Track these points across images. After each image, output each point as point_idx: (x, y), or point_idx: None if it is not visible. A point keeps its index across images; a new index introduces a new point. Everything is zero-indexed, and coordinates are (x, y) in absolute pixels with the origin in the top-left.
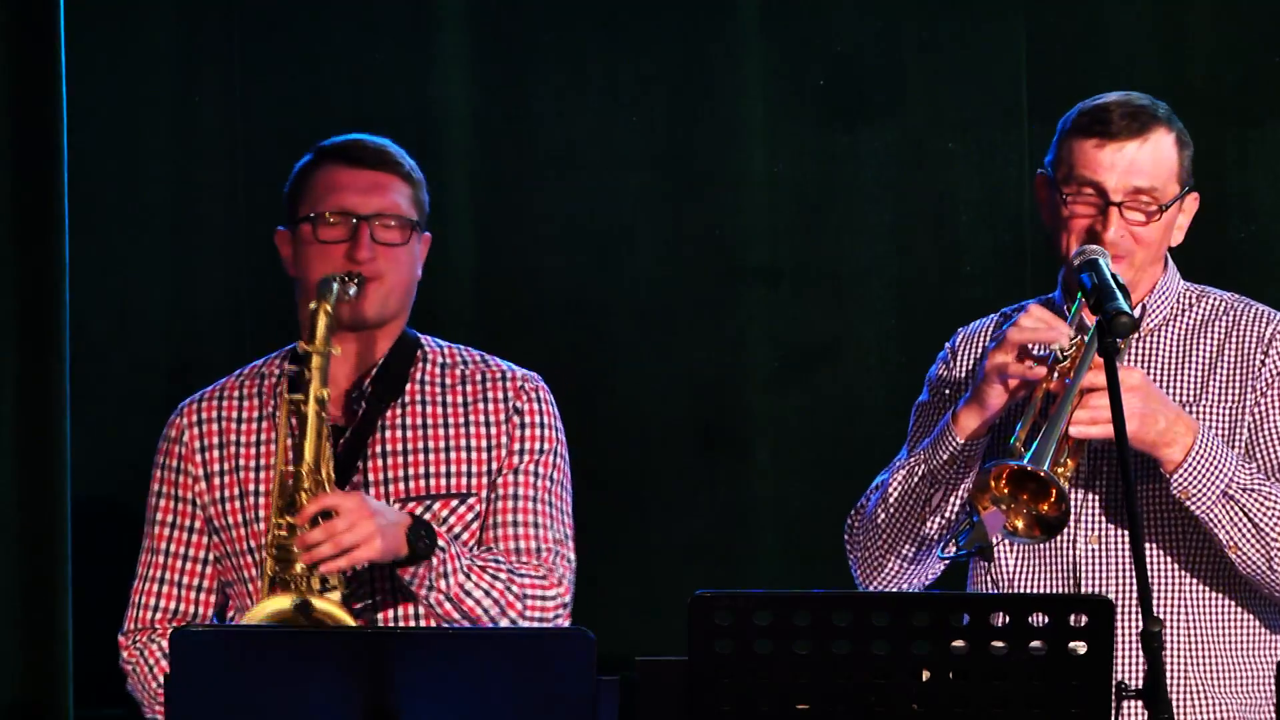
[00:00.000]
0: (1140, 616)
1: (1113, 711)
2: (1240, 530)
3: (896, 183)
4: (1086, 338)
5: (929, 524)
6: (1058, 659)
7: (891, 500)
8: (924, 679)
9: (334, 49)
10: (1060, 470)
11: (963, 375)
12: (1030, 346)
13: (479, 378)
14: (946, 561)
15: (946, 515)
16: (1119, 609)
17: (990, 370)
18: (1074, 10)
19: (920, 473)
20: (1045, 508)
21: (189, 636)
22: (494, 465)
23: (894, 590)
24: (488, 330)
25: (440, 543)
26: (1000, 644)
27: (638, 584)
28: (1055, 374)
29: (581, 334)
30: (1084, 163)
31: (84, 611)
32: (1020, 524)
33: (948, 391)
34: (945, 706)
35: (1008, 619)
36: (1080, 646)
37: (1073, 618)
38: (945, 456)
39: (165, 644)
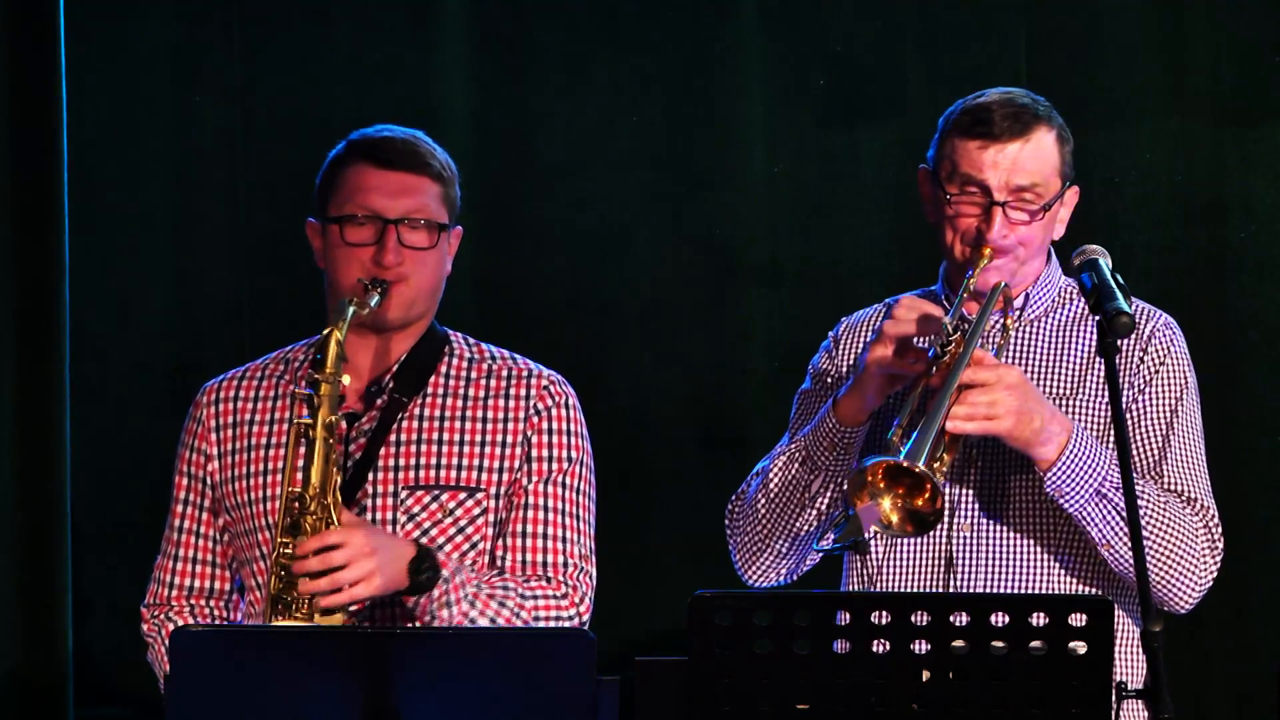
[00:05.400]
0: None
1: (1113, 712)
2: (1113, 528)
3: (896, 183)
4: (967, 333)
5: (806, 515)
6: (1058, 659)
7: (772, 487)
8: (924, 679)
9: (334, 49)
10: (936, 465)
11: (844, 365)
12: (911, 339)
13: (504, 373)
14: (821, 554)
15: (821, 507)
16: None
17: (870, 363)
18: (1074, 10)
19: (800, 459)
20: (920, 503)
21: (189, 636)
22: (507, 463)
23: (777, 581)
24: (487, 330)
25: (444, 573)
26: (1000, 644)
27: (638, 584)
28: (935, 369)
29: (581, 334)
30: (967, 163)
31: (84, 611)
32: (895, 518)
33: (830, 381)
34: (945, 706)
35: (1008, 619)
36: (1080, 646)
37: (1072, 618)
38: (825, 443)
39: (181, 624)
